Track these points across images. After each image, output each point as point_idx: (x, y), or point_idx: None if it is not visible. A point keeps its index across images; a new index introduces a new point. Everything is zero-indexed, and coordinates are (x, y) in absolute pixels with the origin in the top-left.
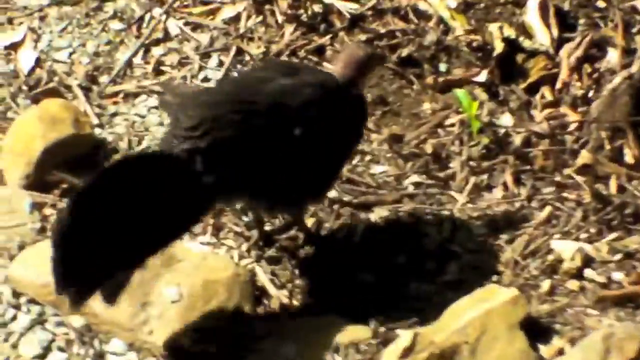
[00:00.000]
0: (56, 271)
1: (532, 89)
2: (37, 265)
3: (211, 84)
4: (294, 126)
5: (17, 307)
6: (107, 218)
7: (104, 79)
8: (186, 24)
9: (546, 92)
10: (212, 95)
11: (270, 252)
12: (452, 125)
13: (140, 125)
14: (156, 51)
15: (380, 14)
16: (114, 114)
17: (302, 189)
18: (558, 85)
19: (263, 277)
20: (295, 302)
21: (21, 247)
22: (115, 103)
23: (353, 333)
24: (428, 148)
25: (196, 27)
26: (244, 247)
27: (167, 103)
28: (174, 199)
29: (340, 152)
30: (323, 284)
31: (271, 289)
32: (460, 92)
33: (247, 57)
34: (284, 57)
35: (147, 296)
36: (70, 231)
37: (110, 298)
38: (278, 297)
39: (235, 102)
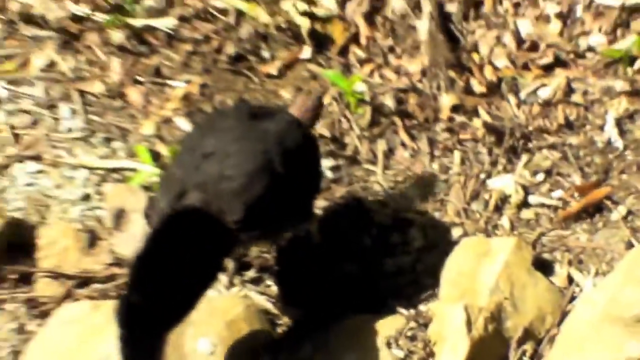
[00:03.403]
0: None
1: (343, 53)
2: None
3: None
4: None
5: None
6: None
7: None
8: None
9: (357, 51)
10: (241, 166)
11: (250, 273)
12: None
13: (36, 192)
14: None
15: (186, 21)
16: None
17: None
18: (363, 41)
19: (261, 300)
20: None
21: None
22: None
23: (389, 324)
24: (321, 131)
25: (17, 82)
26: (224, 278)
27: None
28: (210, 251)
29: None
30: (311, 289)
31: (275, 309)
32: (330, 73)
33: (94, 98)
34: (129, 86)
35: (183, 357)
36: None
37: None
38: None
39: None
